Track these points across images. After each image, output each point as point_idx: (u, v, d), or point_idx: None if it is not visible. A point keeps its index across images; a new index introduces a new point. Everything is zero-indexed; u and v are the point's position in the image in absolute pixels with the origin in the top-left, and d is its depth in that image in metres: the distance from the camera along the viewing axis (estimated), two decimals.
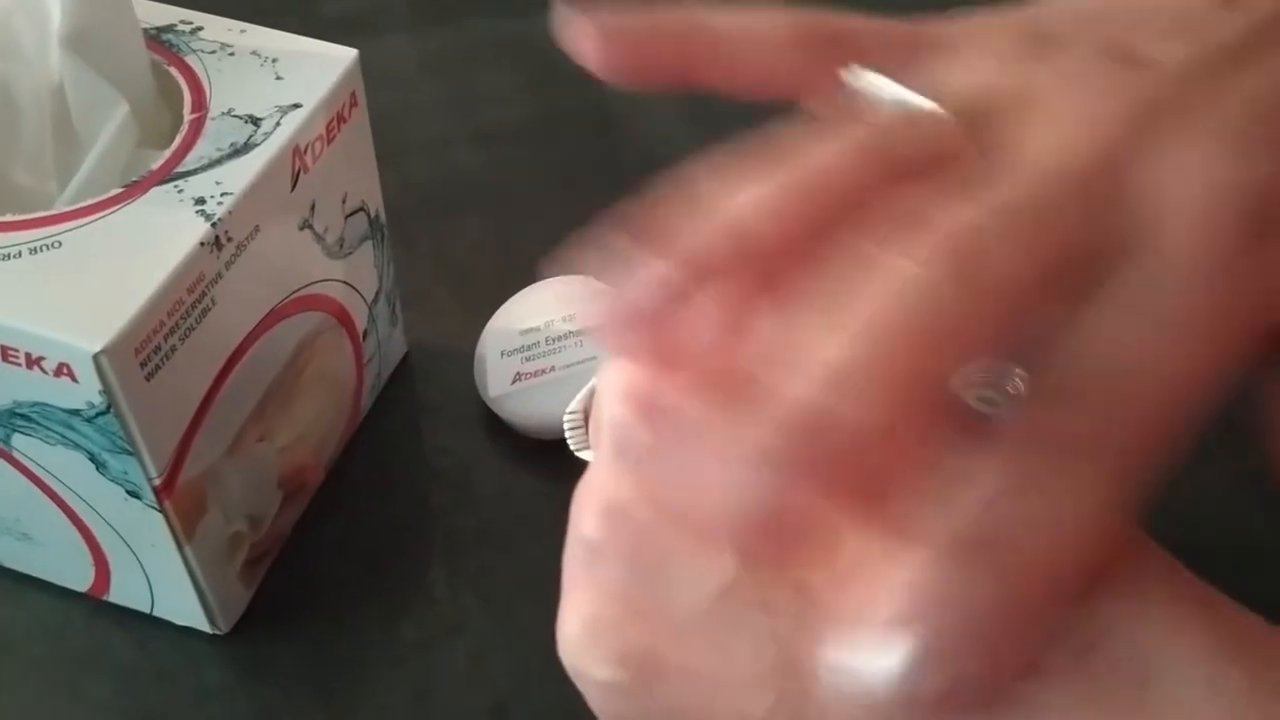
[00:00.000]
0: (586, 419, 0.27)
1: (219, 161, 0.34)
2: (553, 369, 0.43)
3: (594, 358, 0.43)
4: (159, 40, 0.37)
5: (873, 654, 0.18)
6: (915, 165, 0.21)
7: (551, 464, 0.43)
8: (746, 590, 0.21)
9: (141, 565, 0.36)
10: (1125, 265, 0.19)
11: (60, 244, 0.32)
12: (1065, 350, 0.19)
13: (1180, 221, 0.19)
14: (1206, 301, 0.19)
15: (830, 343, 0.18)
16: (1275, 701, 0.19)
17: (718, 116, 0.58)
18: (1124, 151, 0.20)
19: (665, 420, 0.21)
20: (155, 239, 0.32)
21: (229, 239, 0.33)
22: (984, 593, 0.18)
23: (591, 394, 0.26)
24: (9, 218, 0.32)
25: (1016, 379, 0.47)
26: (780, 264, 0.20)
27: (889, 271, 0.19)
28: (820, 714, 0.20)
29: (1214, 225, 0.19)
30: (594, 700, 0.24)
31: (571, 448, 0.28)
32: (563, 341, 0.44)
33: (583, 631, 0.23)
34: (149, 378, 0.31)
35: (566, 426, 0.28)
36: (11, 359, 0.31)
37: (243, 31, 0.38)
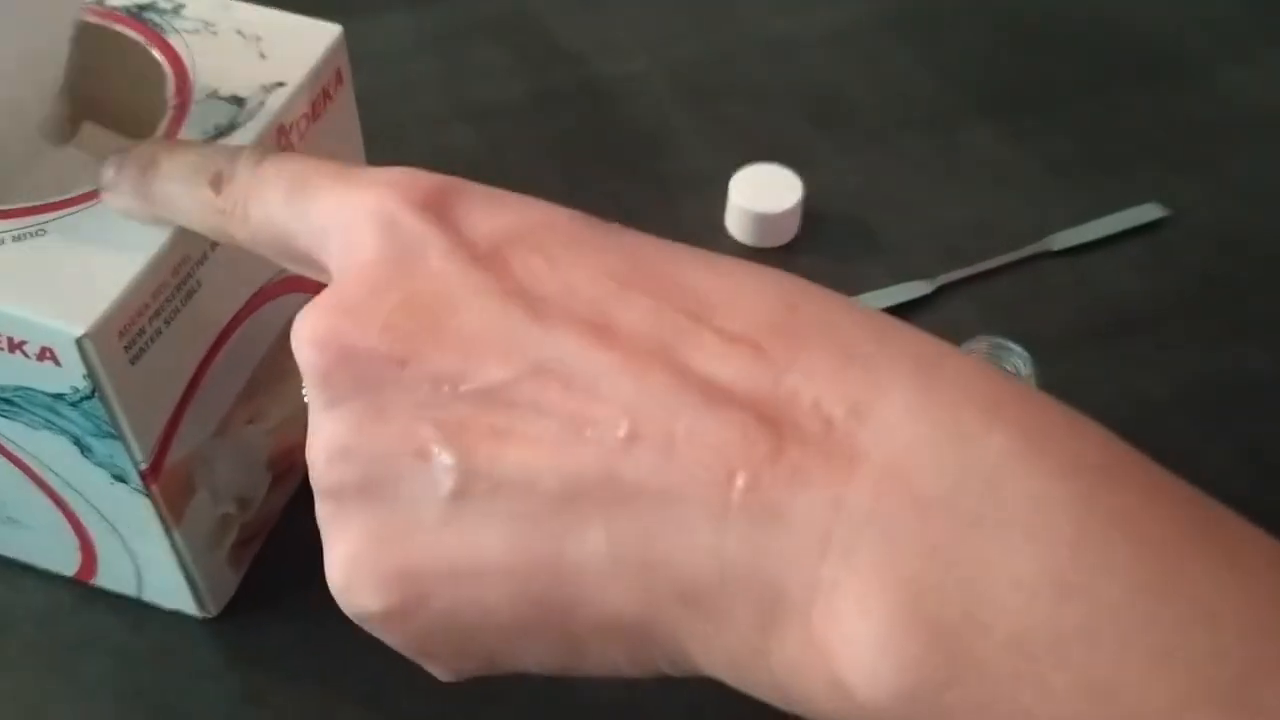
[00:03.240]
0: None
1: None
2: None
3: None
4: (140, 19, 0.37)
5: None
6: None
7: None
8: (478, 484, 0.22)
9: (129, 549, 0.36)
10: None
11: (45, 231, 0.31)
12: None
13: None
14: None
15: None
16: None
17: (708, 94, 0.57)
18: None
19: (360, 362, 0.23)
20: (139, 223, 0.31)
21: None
22: None
23: None
24: None
25: (1018, 360, 0.47)
26: None
27: None
28: (576, 572, 0.22)
29: None
30: (385, 636, 0.25)
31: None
32: None
33: (344, 573, 0.24)
34: (134, 361, 0.31)
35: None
36: None
37: (225, 8, 0.37)
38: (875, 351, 0.22)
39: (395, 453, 0.23)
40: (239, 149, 0.28)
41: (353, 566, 0.24)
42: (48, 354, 0.30)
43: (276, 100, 0.35)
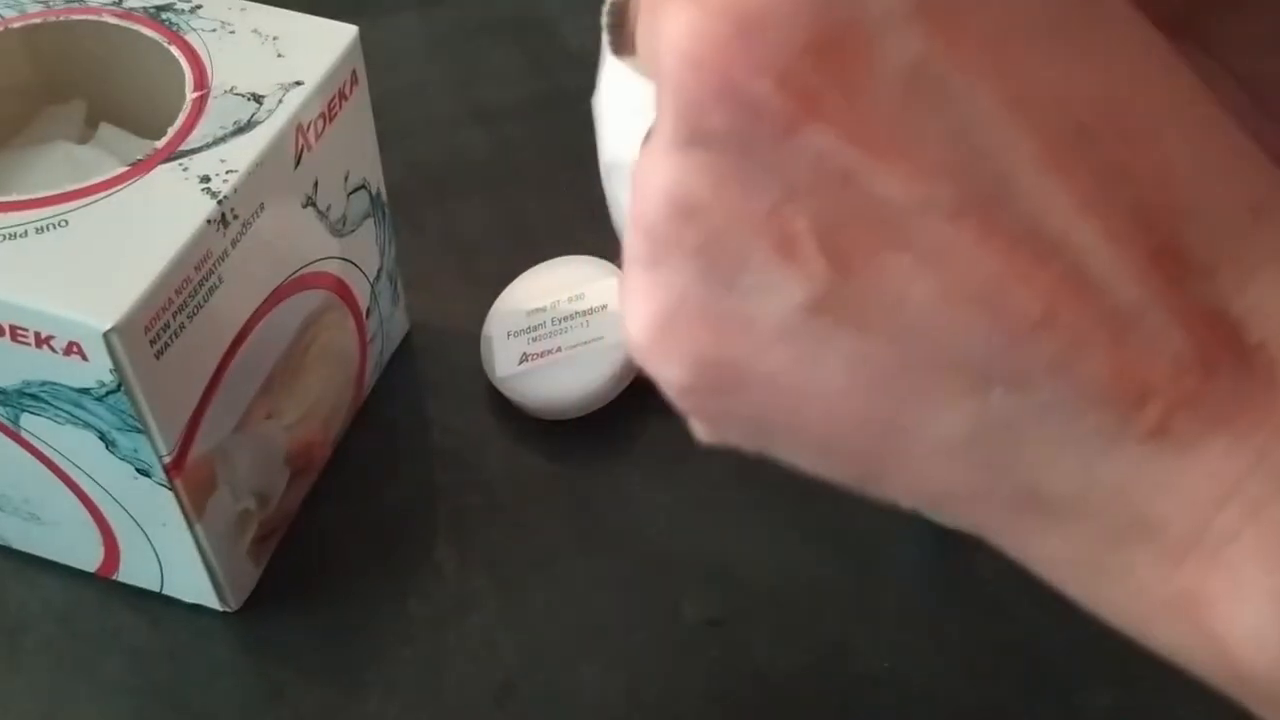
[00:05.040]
0: (624, 16, 0.22)
1: (223, 139, 0.34)
2: (559, 350, 0.43)
3: (600, 338, 0.43)
4: (158, 19, 0.37)
5: None
6: None
7: (559, 444, 0.44)
8: (839, 309, 0.19)
9: (151, 544, 0.37)
10: None
11: (67, 223, 0.32)
12: None
13: None
14: None
15: None
16: None
17: None
18: None
19: (743, 107, 0.18)
20: (162, 217, 0.32)
21: (234, 216, 0.33)
22: None
23: None
24: (15, 197, 0.32)
25: None
26: None
27: None
28: (913, 439, 0.19)
29: None
30: (671, 395, 0.22)
31: (609, 49, 0.24)
32: (569, 322, 0.44)
33: (650, 335, 0.20)
34: (158, 355, 0.31)
35: (606, 21, 0.23)
36: (20, 338, 0.31)
37: (242, 10, 0.38)
38: None
39: (753, 235, 0.19)
40: None
41: (661, 332, 0.20)
42: (75, 348, 0.30)
43: (294, 99, 0.35)
